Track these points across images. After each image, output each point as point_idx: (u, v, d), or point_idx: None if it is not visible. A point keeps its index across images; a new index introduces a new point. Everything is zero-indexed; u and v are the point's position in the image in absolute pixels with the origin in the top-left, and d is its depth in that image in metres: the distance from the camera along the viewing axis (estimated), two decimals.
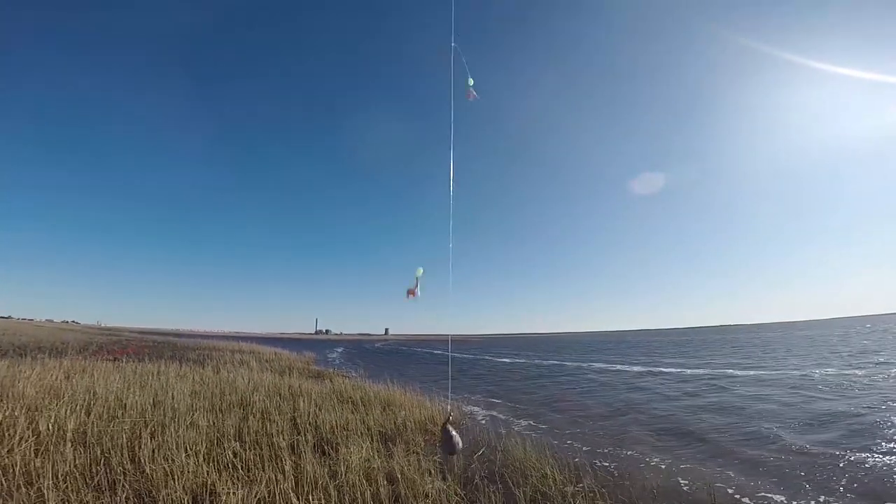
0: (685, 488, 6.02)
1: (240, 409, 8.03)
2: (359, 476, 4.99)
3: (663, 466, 6.96)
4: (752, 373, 19.31)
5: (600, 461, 7.16)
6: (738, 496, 5.70)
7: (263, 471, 4.99)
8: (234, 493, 4.17)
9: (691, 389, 15.26)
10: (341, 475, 5.00)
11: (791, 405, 11.40)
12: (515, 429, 9.36)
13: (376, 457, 5.78)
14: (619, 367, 26.21)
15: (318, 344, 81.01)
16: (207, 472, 4.64)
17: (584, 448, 8.00)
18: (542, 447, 7.19)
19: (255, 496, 4.23)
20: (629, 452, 7.78)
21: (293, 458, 5.49)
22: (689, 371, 21.79)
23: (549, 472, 5.76)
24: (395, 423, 8.06)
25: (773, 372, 19.24)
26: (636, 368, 24.79)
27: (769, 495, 5.70)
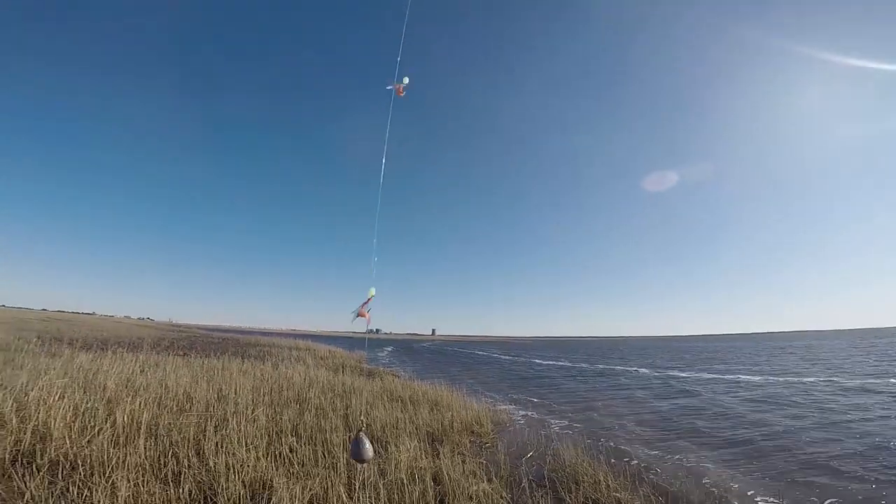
0: (759, 500, 5.67)
1: (296, 404, 8.35)
2: (406, 475, 5.05)
3: (727, 477, 6.57)
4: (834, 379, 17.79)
5: (657, 468, 6.85)
6: None
7: (318, 466, 5.16)
8: (289, 487, 4.35)
9: (757, 398, 14.28)
10: (390, 474, 5.09)
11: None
12: (564, 432, 9.14)
13: (423, 456, 5.84)
14: (668, 372, 25.05)
15: (370, 342, 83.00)
16: (265, 466, 4.88)
17: (639, 454, 7.67)
18: (594, 452, 6.99)
19: (309, 492, 4.40)
20: (688, 461, 7.39)
21: (345, 455, 5.64)
22: (756, 378, 20.42)
23: (601, 479, 5.57)
24: (441, 423, 8.10)
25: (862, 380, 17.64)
26: (684, 374, 23.75)
27: None
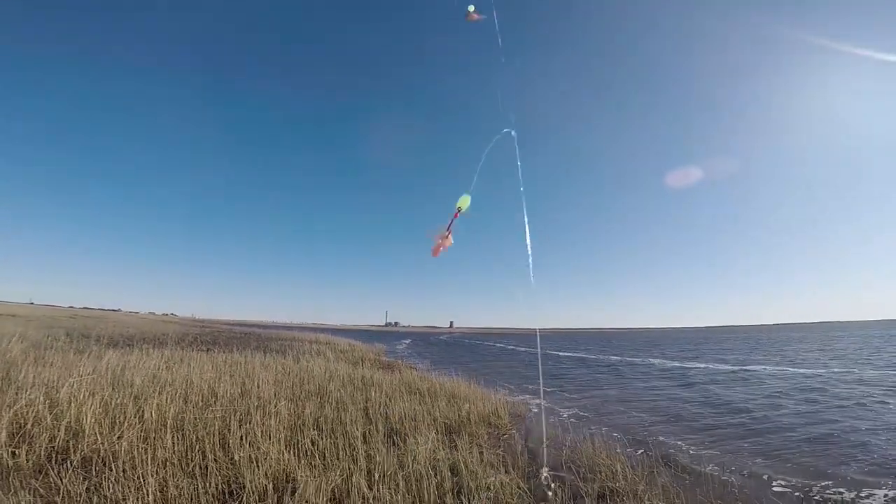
0: (776, 489, 5.61)
1: (317, 397, 8.50)
2: (425, 467, 5.13)
3: (747, 465, 6.52)
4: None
5: (677, 458, 6.83)
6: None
7: (338, 459, 5.27)
8: (311, 480, 4.47)
9: (777, 389, 14.03)
10: (409, 465, 5.17)
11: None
12: (581, 423, 9.16)
13: (441, 448, 5.90)
14: (685, 364, 24.81)
15: (388, 336, 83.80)
16: (288, 459, 5.01)
17: (656, 444, 7.67)
18: (612, 442, 6.99)
19: (330, 484, 4.51)
20: (708, 451, 7.35)
21: (365, 447, 5.75)
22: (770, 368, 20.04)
23: (619, 469, 5.57)
24: (459, 415, 8.17)
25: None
26: (701, 365, 23.51)
27: None
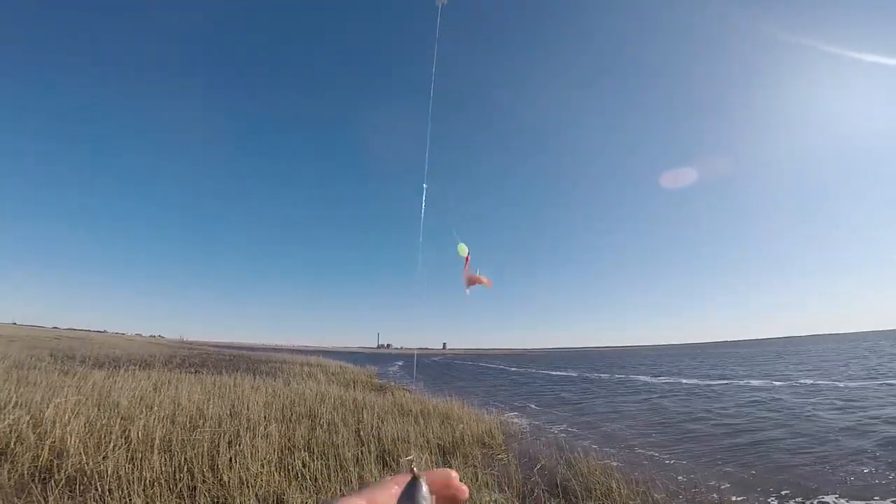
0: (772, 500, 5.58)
1: (308, 420, 8.37)
2: None
3: (737, 479, 6.51)
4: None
5: (670, 474, 6.82)
6: None
7: (330, 481, 5.18)
8: (303, 502, 4.37)
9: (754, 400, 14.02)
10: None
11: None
12: (575, 440, 9.11)
13: (435, 468, 5.80)
14: (672, 379, 25.02)
15: (380, 357, 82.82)
16: (278, 481, 4.91)
17: (650, 461, 7.66)
18: (606, 459, 6.95)
19: None
20: (700, 466, 7.34)
21: (357, 468, 5.66)
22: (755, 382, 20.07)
23: (614, 486, 5.53)
24: (452, 435, 8.08)
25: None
26: (687, 381, 23.70)
27: None
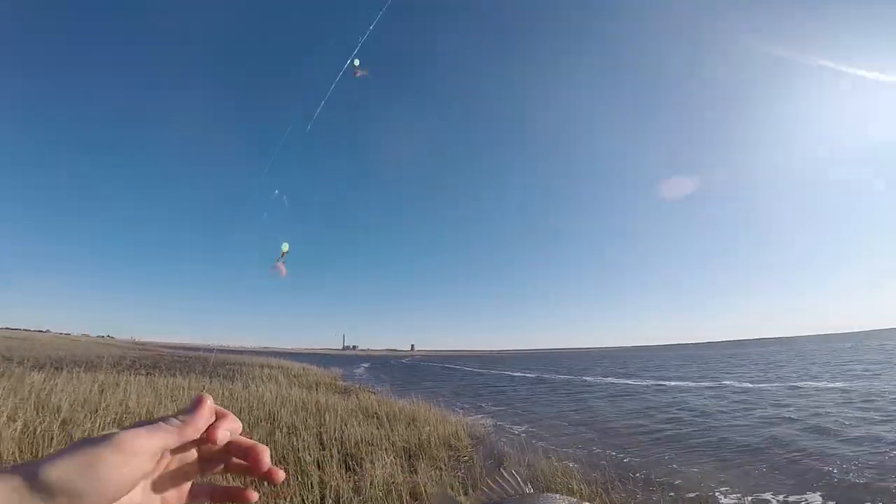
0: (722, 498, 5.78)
1: (267, 423, 8.10)
2: (383, 491, 4.93)
3: (696, 477, 6.73)
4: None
5: (630, 473, 7.03)
6: None
7: (289, 485, 4.99)
8: None
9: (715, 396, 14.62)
10: (365, 490, 4.96)
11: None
12: (537, 442, 9.22)
13: (400, 472, 5.72)
14: (632, 381, 25.96)
15: (346, 359, 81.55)
16: (235, 486, 4.66)
17: (609, 460, 7.90)
18: (566, 460, 7.04)
19: None
20: (659, 464, 7.61)
21: (319, 472, 5.48)
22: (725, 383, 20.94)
23: (575, 487, 5.60)
24: (419, 438, 7.98)
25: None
26: (646, 382, 24.64)
27: None
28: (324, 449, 6.72)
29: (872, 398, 13.83)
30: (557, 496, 0.76)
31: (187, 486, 0.54)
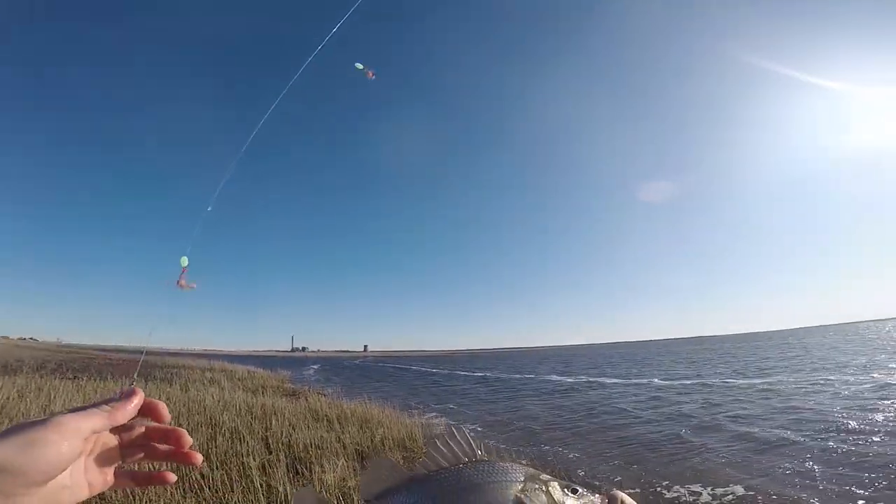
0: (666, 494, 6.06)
1: (208, 428, 7.67)
2: (335, 495, 4.78)
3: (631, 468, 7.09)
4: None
5: (577, 470, 7.36)
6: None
7: (233, 491, 4.75)
8: None
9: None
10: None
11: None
12: (489, 441, 9.38)
13: (353, 476, 5.57)
14: (580, 377, 27.13)
15: (294, 362, 79.06)
16: (171, 492, 4.37)
17: (558, 457, 8.28)
18: (517, 458, 7.14)
19: None
20: (604, 459, 8.00)
21: (265, 478, 5.24)
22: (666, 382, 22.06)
23: None
24: (372, 440, 7.83)
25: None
26: (581, 379, 25.90)
27: None
28: (270, 453, 6.44)
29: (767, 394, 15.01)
30: (509, 464, 0.73)
31: (111, 470, 0.61)
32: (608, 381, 24.53)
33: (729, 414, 11.68)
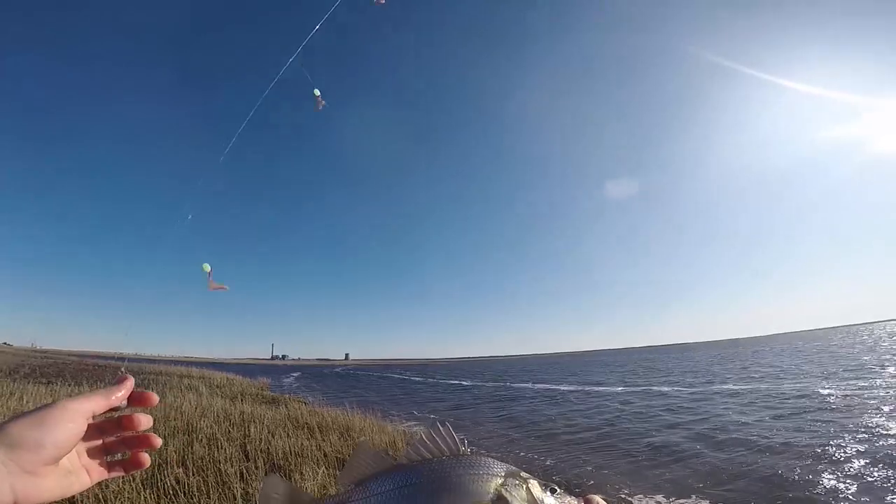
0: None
1: (184, 434, 7.52)
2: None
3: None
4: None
5: (553, 476, 7.49)
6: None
7: (209, 497, 4.67)
8: None
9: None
10: None
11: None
12: (469, 447, 9.46)
13: (333, 483, 5.52)
14: (550, 386, 27.81)
15: (275, 370, 77.79)
16: (146, 497, 4.29)
17: (532, 462, 8.59)
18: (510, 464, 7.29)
19: None
20: (582, 464, 8.23)
21: (242, 485, 5.16)
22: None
23: None
24: (353, 448, 7.76)
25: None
26: (562, 387, 26.56)
27: None
28: (249, 461, 6.34)
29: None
30: (490, 459, 0.76)
31: (103, 461, 0.69)
32: (580, 387, 25.00)
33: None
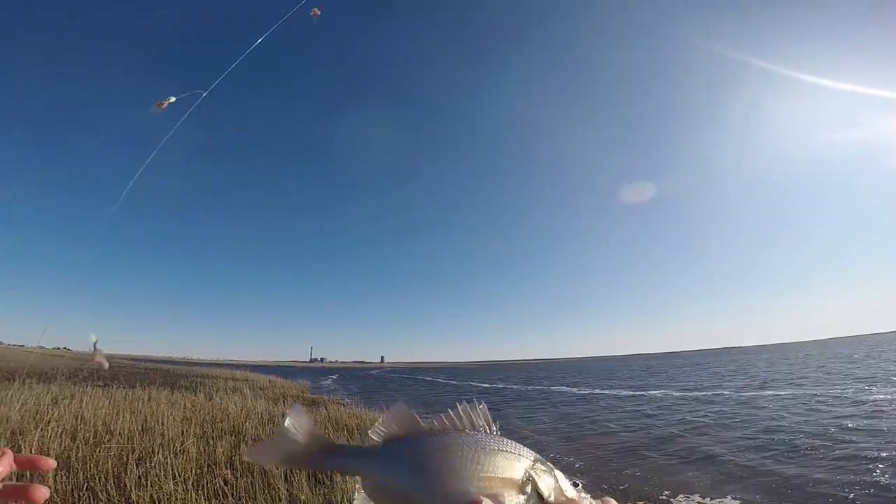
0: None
1: (231, 436, 7.79)
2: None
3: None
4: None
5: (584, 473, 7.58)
6: None
7: (255, 499, 4.81)
8: None
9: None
10: (336, 503, 4.83)
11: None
12: None
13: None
14: (591, 390, 26.84)
15: (313, 372, 79.68)
16: (196, 498, 4.47)
17: (569, 463, 8.47)
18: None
19: None
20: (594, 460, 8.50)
21: (287, 485, 5.30)
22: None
23: None
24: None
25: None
26: (604, 391, 25.67)
27: None
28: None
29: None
30: (523, 446, 0.75)
31: None
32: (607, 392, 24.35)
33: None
